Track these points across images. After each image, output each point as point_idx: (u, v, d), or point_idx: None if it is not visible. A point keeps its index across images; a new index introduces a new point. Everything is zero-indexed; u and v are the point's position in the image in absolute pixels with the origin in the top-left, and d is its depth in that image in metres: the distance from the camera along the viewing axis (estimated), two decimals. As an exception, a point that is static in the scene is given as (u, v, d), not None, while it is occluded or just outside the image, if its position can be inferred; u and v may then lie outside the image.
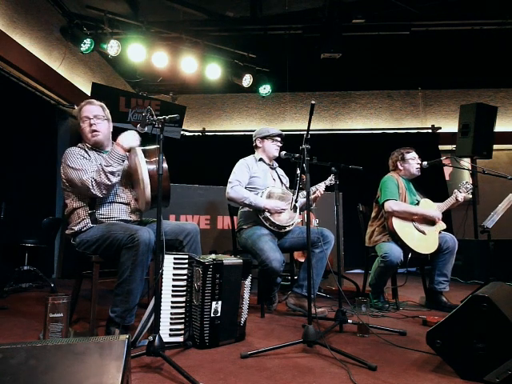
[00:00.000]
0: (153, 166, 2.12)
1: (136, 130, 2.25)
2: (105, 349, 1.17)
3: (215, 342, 2.03)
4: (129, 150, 2.26)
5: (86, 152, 2.34)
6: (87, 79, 5.53)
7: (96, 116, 2.35)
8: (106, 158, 2.20)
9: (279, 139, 3.15)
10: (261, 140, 3.17)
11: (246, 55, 5.63)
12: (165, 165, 2.15)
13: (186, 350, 1.97)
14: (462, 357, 1.66)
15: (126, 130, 2.31)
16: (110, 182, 2.17)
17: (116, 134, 2.48)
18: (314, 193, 2.97)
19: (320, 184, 3.01)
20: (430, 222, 3.12)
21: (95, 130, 2.34)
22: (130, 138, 2.25)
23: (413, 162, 3.25)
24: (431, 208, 3.14)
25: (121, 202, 2.33)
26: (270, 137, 3.13)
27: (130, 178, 2.40)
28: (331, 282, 4.04)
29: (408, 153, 3.27)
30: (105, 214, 2.27)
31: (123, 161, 2.23)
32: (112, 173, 2.16)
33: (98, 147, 2.39)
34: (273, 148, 3.13)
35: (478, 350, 1.61)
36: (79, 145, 2.40)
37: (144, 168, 2.14)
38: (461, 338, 1.67)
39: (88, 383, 1.10)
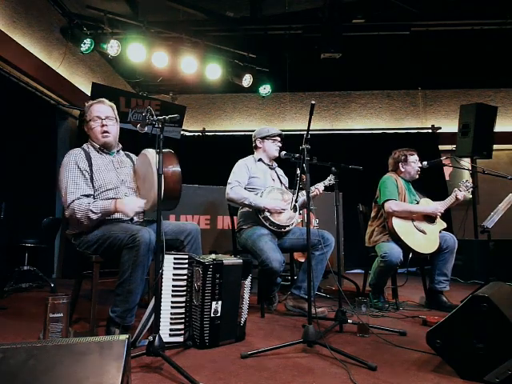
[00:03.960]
0: (166, 169, 2.09)
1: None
2: (105, 349, 1.17)
3: (215, 342, 2.03)
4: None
5: (89, 155, 2.31)
6: (87, 79, 5.53)
7: (108, 117, 2.35)
8: (98, 203, 2.15)
9: (279, 139, 3.15)
10: (261, 140, 3.16)
11: (246, 55, 5.62)
12: (178, 168, 2.16)
13: (185, 350, 1.98)
14: (461, 357, 1.66)
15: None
16: (85, 222, 2.13)
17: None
18: (313, 192, 2.97)
19: (318, 184, 3.01)
20: (431, 220, 3.12)
21: (106, 131, 2.33)
22: (129, 208, 2.16)
23: (414, 165, 3.28)
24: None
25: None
26: (271, 137, 3.12)
27: (136, 180, 2.39)
28: (331, 282, 4.04)
29: (411, 155, 3.28)
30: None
31: (108, 216, 2.19)
32: (90, 219, 2.12)
33: (106, 148, 2.39)
34: (273, 148, 3.12)
35: (478, 350, 1.61)
36: (84, 146, 2.38)
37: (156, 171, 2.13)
38: (461, 338, 1.67)
39: (88, 383, 1.10)
